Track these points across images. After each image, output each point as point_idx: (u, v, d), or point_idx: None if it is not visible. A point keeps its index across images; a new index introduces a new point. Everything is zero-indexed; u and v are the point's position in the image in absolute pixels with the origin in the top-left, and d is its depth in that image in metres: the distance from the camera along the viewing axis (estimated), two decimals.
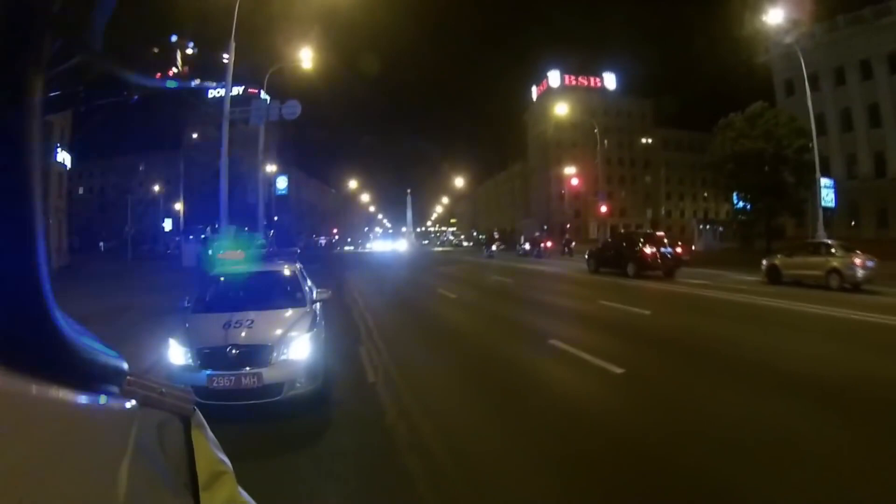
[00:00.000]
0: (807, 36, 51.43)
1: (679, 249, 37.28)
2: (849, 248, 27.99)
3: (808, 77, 40.31)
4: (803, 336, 15.81)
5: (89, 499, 0.81)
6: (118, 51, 1.00)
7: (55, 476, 0.73)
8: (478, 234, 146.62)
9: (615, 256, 37.63)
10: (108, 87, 1.13)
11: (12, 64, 0.71)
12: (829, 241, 30.05)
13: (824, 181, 42.54)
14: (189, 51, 1.20)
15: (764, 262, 31.89)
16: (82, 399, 0.81)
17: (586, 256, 42.48)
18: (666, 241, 36.56)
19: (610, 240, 45.43)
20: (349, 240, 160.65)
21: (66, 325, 0.81)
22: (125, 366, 1.03)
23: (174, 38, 1.16)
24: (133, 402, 1.00)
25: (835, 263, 27.15)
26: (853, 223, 59.83)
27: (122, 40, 1.02)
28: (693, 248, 52.66)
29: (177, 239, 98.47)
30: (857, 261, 26.61)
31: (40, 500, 0.70)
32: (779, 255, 31.71)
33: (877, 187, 59.91)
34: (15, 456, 0.66)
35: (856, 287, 25.87)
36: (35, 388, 0.71)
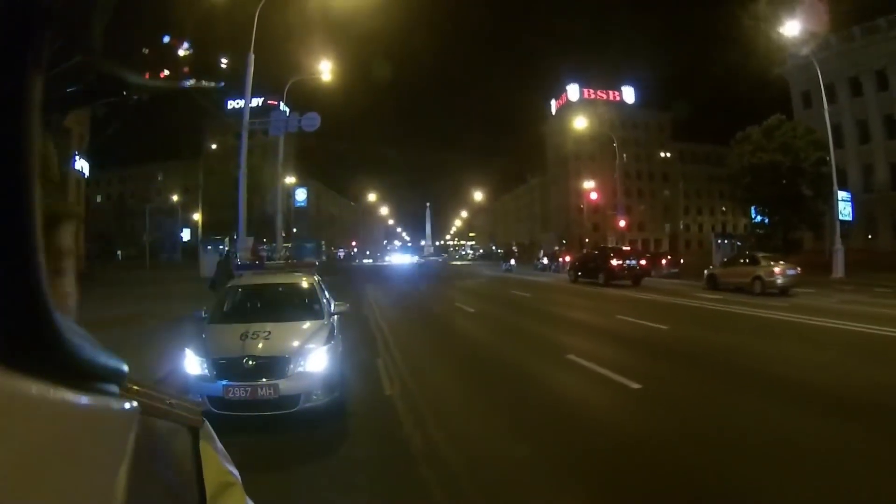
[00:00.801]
0: (823, 47, 51.25)
1: (644, 262, 43.75)
2: (775, 260, 33.22)
3: (824, 88, 40.19)
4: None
5: (87, 500, 0.80)
6: (109, 49, 0.99)
7: (53, 476, 0.72)
8: (496, 248, 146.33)
9: (591, 268, 43.79)
10: (108, 87, 1.13)
11: (12, 64, 0.71)
12: (759, 254, 35.16)
13: (841, 194, 42.38)
14: (182, 52, 1.19)
15: (705, 271, 38.13)
16: (81, 399, 0.80)
17: (567, 269, 50.24)
18: (632, 255, 44.36)
19: (586, 253, 51.98)
20: (367, 252, 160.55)
21: (65, 325, 0.81)
22: (125, 367, 1.01)
23: (167, 39, 1.15)
24: (133, 403, 0.98)
25: (758, 272, 32.14)
26: (870, 236, 59.37)
27: (113, 39, 1.01)
28: (682, 260, 59.26)
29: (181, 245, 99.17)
30: (777, 270, 31.68)
31: (38, 501, 0.70)
32: (718, 266, 37.99)
33: (893, 198, 59.35)
34: (12, 456, 0.66)
35: (783, 291, 31.05)
36: (33, 388, 0.70)
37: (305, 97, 41.28)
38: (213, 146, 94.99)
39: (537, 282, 48.94)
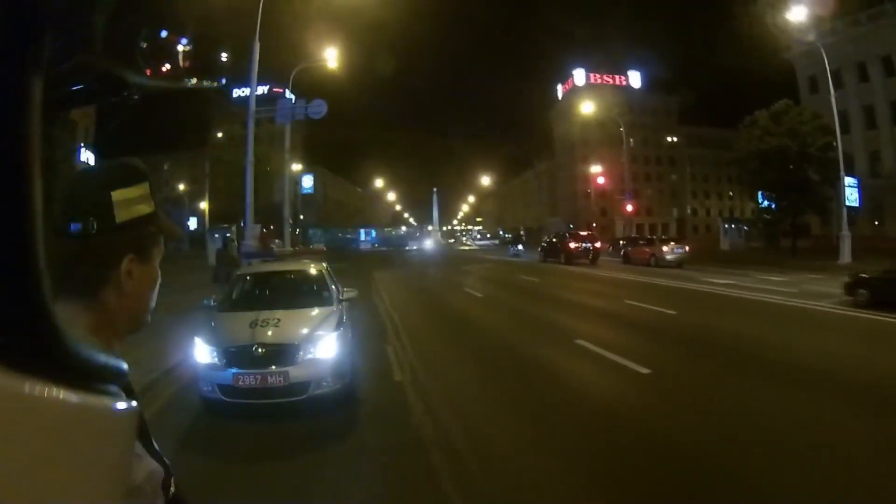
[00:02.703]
0: (829, 32, 50.96)
1: (598, 244, 53.17)
2: (666, 241, 48.76)
3: (830, 73, 39.95)
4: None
5: (89, 498, 0.81)
6: (107, 44, 0.97)
7: (53, 475, 0.72)
8: (504, 233, 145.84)
9: (554, 250, 54.07)
10: (108, 87, 1.14)
11: (12, 64, 0.71)
12: (655, 237, 53.20)
13: (848, 180, 42.25)
14: (181, 48, 1.17)
15: (622, 251, 53.31)
16: (82, 399, 0.81)
17: (539, 250, 60.25)
18: (587, 239, 53.08)
19: (551, 238, 59.44)
20: (376, 238, 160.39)
21: (65, 324, 0.81)
22: (125, 366, 1.05)
23: (164, 34, 1.13)
24: (133, 403, 0.99)
25: (654, 251, 46.03)
26: (876, 222, 58.93)
27: (110, 33, 0.99)
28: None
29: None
30: (666, 248, 45.49)
31: (40, 500, 0.70)
32: (630, 246, 52.15)
33: None
34: (12, 455, 0.66)
35: (679, 265, 42.99)
36: (34, 388, 0.70)
37: (312, 85, 41.16)
38: (220, 135, 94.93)
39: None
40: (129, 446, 1.04)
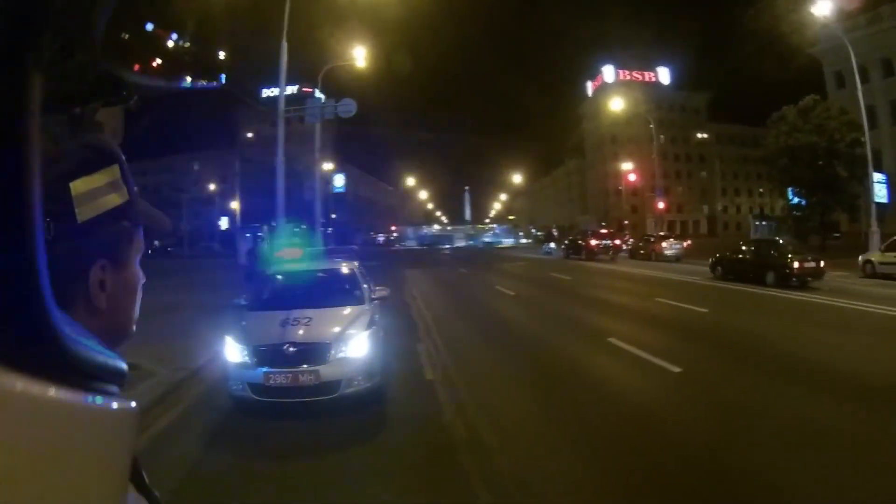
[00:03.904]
0: (854, 27, 50.39)
1: (618, 242, 59.31)
2: (664, 238, 54.76)
3: (857, 68, 39.47)
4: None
5: (89, 499, 0.80)
6: (88, 37, 0.92)
7: (54, 477, 0.73)
8: (535, 231, 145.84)
9: (577, 247, 58.84)
10: (108, 87, 1.10)
11: (12, 64, 0.71)
12: (654, 235, 58.62)
13: (877, 176, 41.70)
14: (171, 43, 1.11)
15: (626, 247, 60.60)
16: (82, 399, 0.80)
17: (562, 248, 65.53)
18: (608, 236, 59.56)
19: (574, 236, 65.03)
20: (408, 236, 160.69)
21: (65, 324, 0.81)
22: (125, 366, 1.00)
23: (150, 28, 1.07)
24: (133, 403, 0.96)
25: (654, 247, 52.01)
26: None
27: (91, 26, 0.94)
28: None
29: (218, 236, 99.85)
30: (665, 244, 51.32)
31: (38, 500, 0.70)
32: (636, 243, 58.98)
33: None
34: (12, 456, 0.66)
35: (677, 260, 48.39)
36: (33, 388, 0.70)
37: (341, 84, 41.27)
38: (249, 135, 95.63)
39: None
40: (130, 447, 0.99)
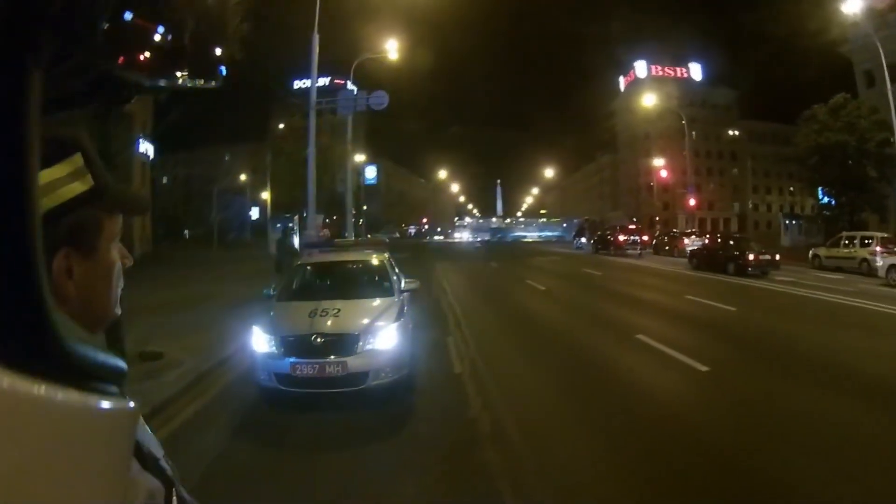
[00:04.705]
0: (885, 25, 49.73)
1: (645, 238, 59.63)
2: (687, 235, 54.72)
3: (886, 67, 39.01)
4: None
5: (89, 499, 0.80)
6: (66, 26, 0.89)
7: (55, 476, 0.72)
8: (564, 225, 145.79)
9: (605, 242, 59.34)
10: (109, 87, 1.09)
11: (12, 64, 0.71)
12: (678, 232, 60.71)
13: None
14: (159, 37, 1.06)
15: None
16: (81, 399, 0.79)
17: (592, 243, 65.35)
18: (635, 231, 61.15)
19: (603, 232, 65.00)
20: (438, 229, 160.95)
21: (65, 324, 0.80)
22: (125, 366, 1.00)
23: (129, 17, 1.01)
24: (132, 403, 0.96)
25: (678, 243, 52.30)
26: None
27: (89, 23, 0.91)
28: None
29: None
30: (687, 241, 49.91)
31: (38, 501, 0.70)
32: (661, 240, 58.32)
33: None
34: (12, 456, 0.66)
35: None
36: (33, 388, 0.70)
37: (373, 76, 41.28)
38: (281, 126, 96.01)
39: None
40: (130, 446, 0.98)
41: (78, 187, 1.12)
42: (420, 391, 9.93)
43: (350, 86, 39.97)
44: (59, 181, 1.10)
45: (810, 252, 38.38)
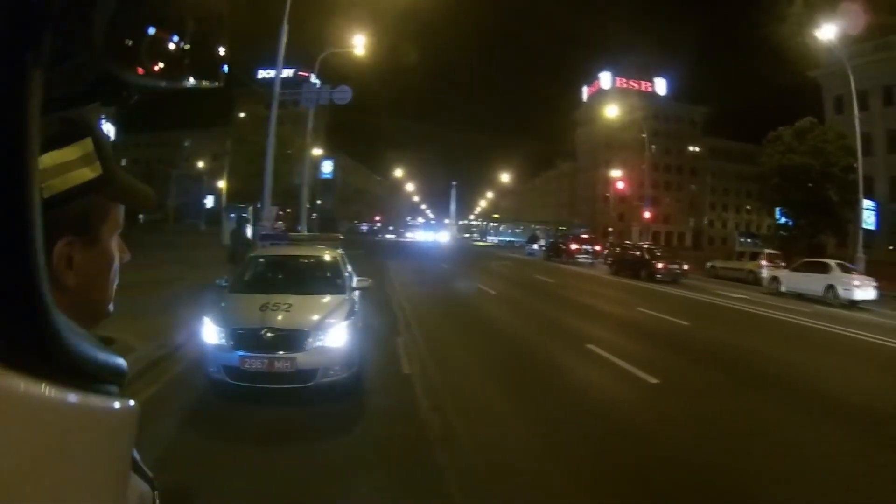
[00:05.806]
0: (858, 54, 50.57)
1: (598, 248, 62.26)
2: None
3: (857, 95, 39.67)
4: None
5: (89, 499, 0.80)
6: (91, 43, 0.89)
7: (55, 476, 0.73)
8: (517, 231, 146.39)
9: (557, 250, 61.70)
10: (109, 87, 1.05)
11: (12, 64, 0.71)
12: (622, 244, 56.12)
13: (866, 203, 42.06)
14: (173, 45, 1.05)
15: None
16: (81, 399, 0.80)
17: (544, 251, 67.51)
18: (588, 241, 63.30)
19: (556, 240, 68.15)
20: (391, 228, 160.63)
21: (65, 324, 0.80)
22: (125, 366, 0.98)
23: (152, 31, 1.00)
24: (132, 402, 0.95)
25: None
26: (891, 247, 58.08)
27: (93, 32, 0.90)
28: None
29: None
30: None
31: (38, 501, 0.70)
32: (612, 250, 56.70)
33: None
34: (12, 456, 0.66)
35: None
36: (33, 388, 0.70)
37: (338, 71, 41.15)
38: (242, 115, 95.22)
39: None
40: (130, 446, 0.98)
41: (87, 173, 1.11)
42: (369, 391, 9.89)
43: (314, 79, 39.81)
44: (69, 164, 1.09)
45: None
